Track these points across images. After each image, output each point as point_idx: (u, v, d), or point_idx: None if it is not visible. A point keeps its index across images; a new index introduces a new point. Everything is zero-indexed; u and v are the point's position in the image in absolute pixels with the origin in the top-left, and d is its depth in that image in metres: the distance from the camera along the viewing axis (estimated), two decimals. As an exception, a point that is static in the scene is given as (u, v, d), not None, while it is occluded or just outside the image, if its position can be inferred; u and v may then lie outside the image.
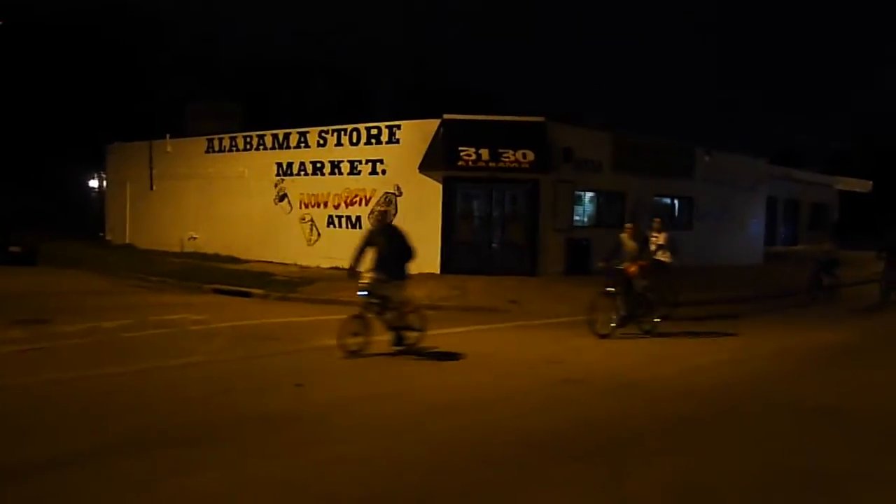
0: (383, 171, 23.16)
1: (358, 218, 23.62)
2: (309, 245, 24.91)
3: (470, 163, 21.44)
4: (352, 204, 23.87)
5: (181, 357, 10.45)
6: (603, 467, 6.38)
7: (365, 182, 23.55)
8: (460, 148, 21.47)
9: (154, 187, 30.59)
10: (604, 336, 13.06)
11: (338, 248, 23.94)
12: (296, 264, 24.27)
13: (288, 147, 25.77)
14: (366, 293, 10.96)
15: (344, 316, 11.35)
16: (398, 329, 11.25)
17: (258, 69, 44.75)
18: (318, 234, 24.73)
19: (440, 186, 22.08)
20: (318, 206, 24.77)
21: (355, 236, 23.34)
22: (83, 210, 37.51)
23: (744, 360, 11.76)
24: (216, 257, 25.96)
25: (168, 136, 30.01)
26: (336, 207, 24.27)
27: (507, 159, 21.46)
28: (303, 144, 25.33)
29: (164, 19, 42.36)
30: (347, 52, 49.76)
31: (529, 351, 12.07)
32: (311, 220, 24.92)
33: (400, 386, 9.38)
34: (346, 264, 22.88)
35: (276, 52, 46.24)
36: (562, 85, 72.89)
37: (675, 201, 28.46)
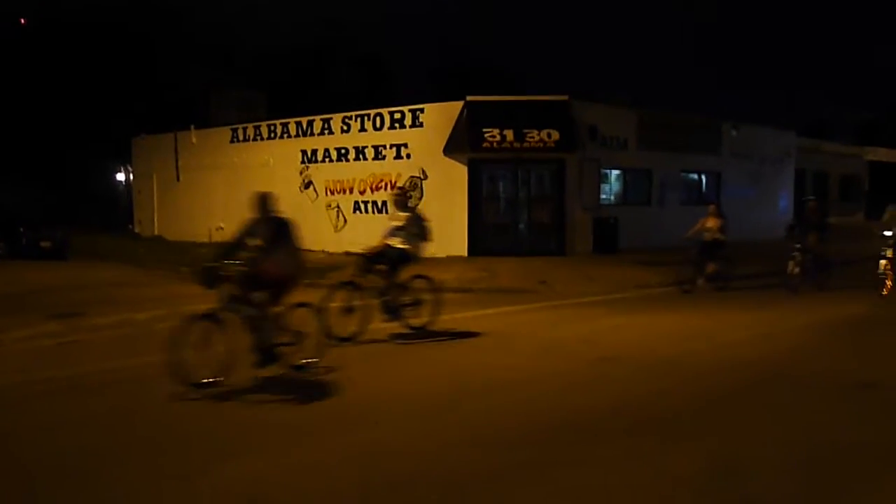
0: (408, 156, 23.11)
1: (384, 203, 23.59)
2: (336, 231, 24.97)
3: (494, 144, 21.34)
4: (377, 189, 23.87)
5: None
6: (643, 444, 6.32)
7: (390, 167, 23.53)
8: (484, 129, 21.37)
9: (180, 178, 30.78)
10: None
11: (365, 234, 23.93)
12: (323, 251, 24.30)
13: (312, 134, 25.80)
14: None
15: (377, 300, 11.33)
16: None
17: (280, 56, 44.80)
18: (345, 221, 24.77)
19: (465, 169, 22.01)
20: (344, 192, 24.80)
21: (382, 221, 23.49)
22: (111, 203, 37.85)
23: (779, 333, 11.61)
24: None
25: (193, 127, 30.15)
26: (362, 193, 24.29)
27: (531, 139, 21.34)
28: (327, 131, 25.34)
29: (183, 9, 42.44)
30: (368, 36, 49.71)
31: (562, 330, 12.00)
32: (338, 207, 24.96)
33: (433, 368, 9.36)
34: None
35: (298, 38, 46.28)
36: (585, 63, 72.47)
37: (703, 177, 28.19)
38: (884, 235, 15.65)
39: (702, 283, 16.48)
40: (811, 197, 18.14)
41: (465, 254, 21.55)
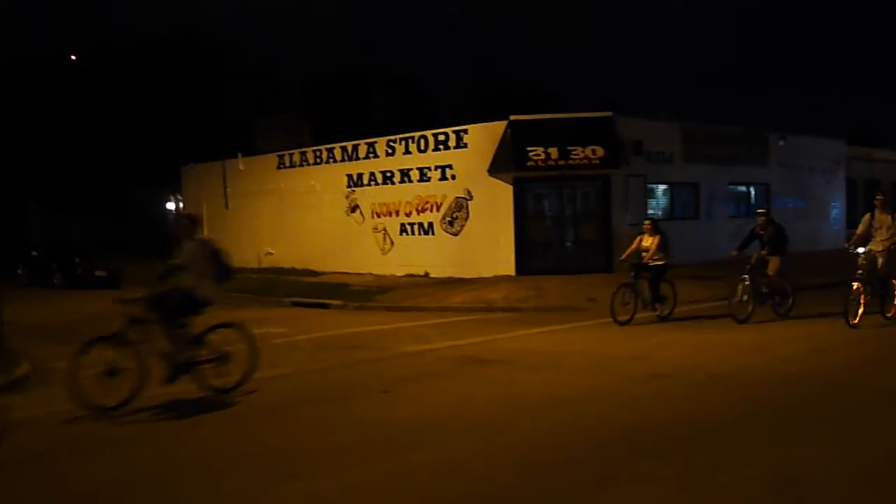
0: (453, 177, 23.22)
1: (430, 224, 23.74)
2: (383, 254, 25.13)
3: (539, 163, 21.35)
4: (423, 211, 23.99)
5: (269, 370, 10.59)
6: (696, 461, 6.25)
7: (435, 188, 23.66)
8: (529, 148, 21.40)
9: (229, 206, 31.27)
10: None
11: (412, 256, 24.16)
12: (371, 274, 24.51)
13: (357, 158, 26.07)
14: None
15: (426, 322, 11.38)
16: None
17: (321, 81, 45.42)
18: (392, 243, 24.93)
19: (510, 188, 22.04)
20: (390, 214, 24.98)
21: (428, 243, 23.77)
22: (161, 232, 38.55)
23: (831, 347, 11.39)
24: (292, 271, 26.40)
25: (240, 154, 30.64)
26: (408, 215, 24.44)
27: (576, 156, 21.31)
28: (371, 154, 25.59)
29: (228, 38, 43.33)
30: (407, 58, 50.19)
31: (613, 348, 11.93)
32: (384, 230, 25.13)
33: (488, 389, 9.35)
34: (421, 271, 23.39)
35: (338, 63, 46.92)
36: (626, 78, 72.13)
37: (751, 189, 27.83)
38: (856, 253, 13.10)
39: (647, 311, 14.40)
40: (760, 209, 15.58)
41: (513, 273, 21.54)
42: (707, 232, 24.90)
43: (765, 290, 13.95)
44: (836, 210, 31.46)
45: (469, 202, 22.86)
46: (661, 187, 24.56)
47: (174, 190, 36.65)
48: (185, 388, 9.02)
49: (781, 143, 27.94)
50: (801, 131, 29.96)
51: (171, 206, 38.61)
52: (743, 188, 27.65)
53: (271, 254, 28.68)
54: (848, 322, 12.39)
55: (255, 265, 28.40)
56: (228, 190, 31.22)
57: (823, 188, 30.42)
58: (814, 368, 9.83)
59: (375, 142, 25.52)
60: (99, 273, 25.37)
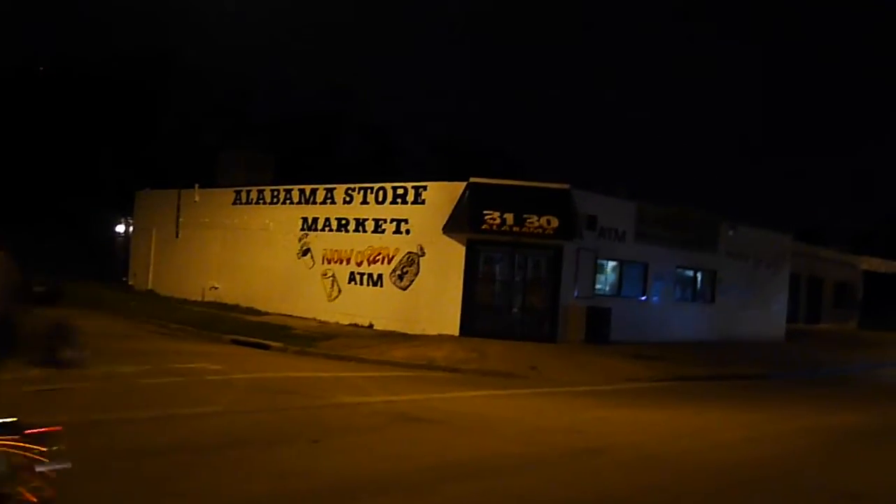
0: (407, 231, 23.23)
1: (380, 276, 23.64)
2: (329, 300, 24.91)
3: (494, 226, 21.48)
4: (374, 262, 23.91)
5: (197, 406, 10.38)
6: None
7: (388, 240, 23.62)
8: (485, 211, 21.53)
9: (179, 235, 30.85)
10: None
11: (358, 305, 23.99)
12: (315, 319, 24.24)
13: (314, 202, 25.96)
14: None
15: (365, 374, 11.26)
16: None
17: (291, 121, 45.50)
18: (339, 290, 24.74)
19: (463, 249, 22.10)
20: (341, 262, 24.84)
21: (376, 294, 23.67)
22: (109, 254, 37.83)
23: (766, 437, 11.50)
24: (236, 308, 26.02)
25: (197, 185, 30.34)
26: (359, 264, 24.31)
27: (531, 224, 21.49)
28: (329, 200, 25.52)
29: (201, 67, 43.21)
30: (378, 107, 50.72)
31: (550, 419, 11.89)
32: (333, 276, 24.96)
33: (418, 449, 9.23)
34: (365, 321, 23.22)
35: (309, 104, 47.14)
36: (588, 152, 73.66)
37: (698, 274, 28.29)
38: None
39: None
40: None
41: (457, 333, 21.47)
42: (652, 312, 25.21)
43: None
44: (779, 304, 32.07)
45: (421, 258, 22.86)
46: (612, 263, 24.84)
47: (128, 214, 36.08)
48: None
49: (731, 232, 28.54)
50: (750, 222, 30.68)
51: (120, 229, 38.00)
52: (690, 272, 28.10)
53: (216, 288, 28.27)
54: None
55: (198, 298, 27.95)
56: (181, 219, 30.84)
57: (768, 281, 31.04)
58: (746, 458, 9.89)
59: (334, 188, 25.47)
60: (37, 289, 24.52)
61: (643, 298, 25.48)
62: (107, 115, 39.45)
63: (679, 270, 27.19)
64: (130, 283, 33.05)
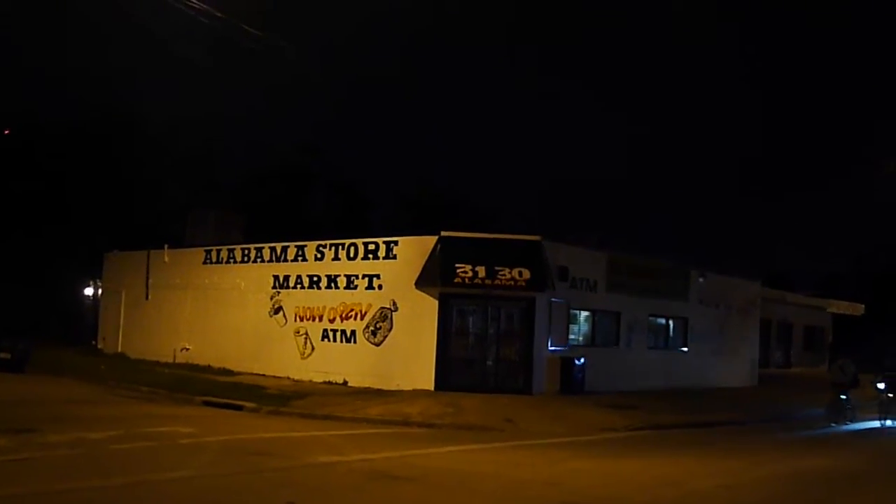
0: (380, 286, 23.22)
1: (353, 332, 23.53)
2: (302, 358, 24.71)
3: (466, 280, 21.54)
4: (347, 318, 23.81)
5: (169, 471, 10.20)
6: None
7: (361, 296, 23.58)
8: (457, 265, 21.61)
9: (149, 297, 30.54)
10: None
11: (331, 363, 23.83)
12: (289, 377, 24.01)
13: (286, 260, 25.91)
14: None
15: (340, 432, 11.16)
16: None
17: (259, 179, 45.52)
18: (312, 348, 24.58)
19: (436, 302, 22.10)
20: (313, 319, 24.71)
21: (350, 350, 23.54)
22: (77, 317, 37.30)
23: (742, 485, 11.51)
24: (208, 369, 25.71)
25: (166, 246, 30.16)
26: (331, 321, 24.19)
27: (503, 277, 21.57)
28: (300, 258, 25.47)
29: (167, 127, 43.18)
30: (347, 163, 50.94)
31: (527, 472, 11.82)
32: (306, 334, 24.80)
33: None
34: (339, 378, 23.06)
35: (278, 161, 47.16)
36: (558, 203, 74.48)
37: (670, 322, 28.48)
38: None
39: None
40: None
41: (432, 388, 21.36)
42: (626, 361, 25.29)
43: None
44: (751, 349, 32.30)
45: (394, 313, 22.81)
46: (584, 313, 24.96)
47: (96, 276, 35.69)
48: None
49: (701, 279, 28.84)
50: (720, 270, 31.03)
51: (89, 291, 37.56)
52: (662, 321, 28.28)
53: (187, 349, 27.94)
54: None
55: (169, 359, 27.59)
56: (151, 280, 30.56)
57: (739, 327, 31.30)
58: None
59: (305, 245, 25.45)
60: (3, 355, 23.81)
61: (617, 347, 25.58)
62: (73, 177, 39.19)
63: (651, 319, 27.36)
64: (100, 346, 32.56)
